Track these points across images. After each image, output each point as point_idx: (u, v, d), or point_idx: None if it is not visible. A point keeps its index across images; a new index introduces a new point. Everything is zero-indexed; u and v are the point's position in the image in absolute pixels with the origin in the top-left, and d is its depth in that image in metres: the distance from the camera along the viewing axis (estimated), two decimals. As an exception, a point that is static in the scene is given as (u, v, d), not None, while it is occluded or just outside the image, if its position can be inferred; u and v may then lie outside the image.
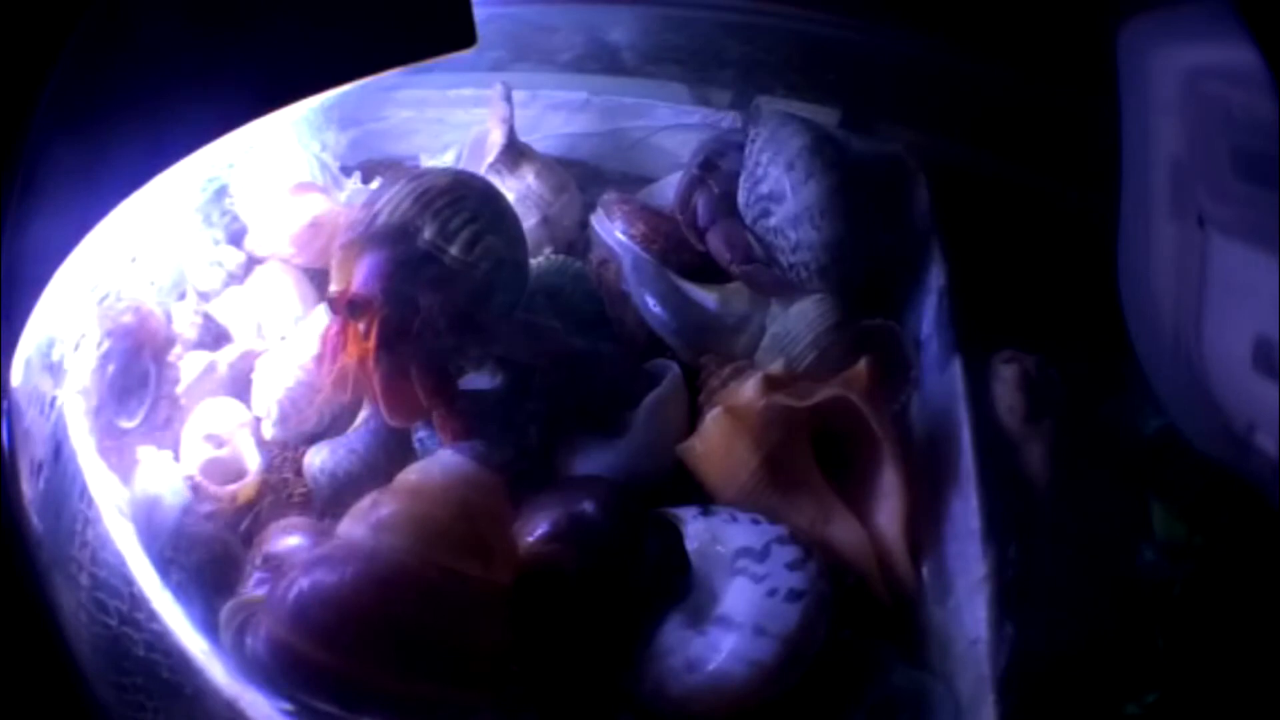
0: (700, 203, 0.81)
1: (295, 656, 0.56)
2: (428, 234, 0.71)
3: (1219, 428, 0.59)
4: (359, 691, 0.56)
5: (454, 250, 0.71)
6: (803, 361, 0.75)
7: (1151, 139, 0.64)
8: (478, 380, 0.75)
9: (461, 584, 0.58)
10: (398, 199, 0.72)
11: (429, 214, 0.71)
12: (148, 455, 0.71)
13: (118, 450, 0.71)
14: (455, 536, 0.59)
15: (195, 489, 0.71)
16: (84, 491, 0.67)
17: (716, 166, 0.81)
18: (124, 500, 0.68)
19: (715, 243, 0.80)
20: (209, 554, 0.69)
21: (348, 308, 0.69)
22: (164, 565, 0.66)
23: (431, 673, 0.57)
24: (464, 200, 0.73)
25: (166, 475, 0.71)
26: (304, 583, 0.57)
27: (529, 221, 0.84)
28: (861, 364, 0.71)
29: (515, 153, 0.85)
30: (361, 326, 0.69)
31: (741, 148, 0.80)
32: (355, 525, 0.59)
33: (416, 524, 0.59)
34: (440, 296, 0.69)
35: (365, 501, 0.61)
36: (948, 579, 0.67)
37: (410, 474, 0.62)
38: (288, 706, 0.59)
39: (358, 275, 0.70)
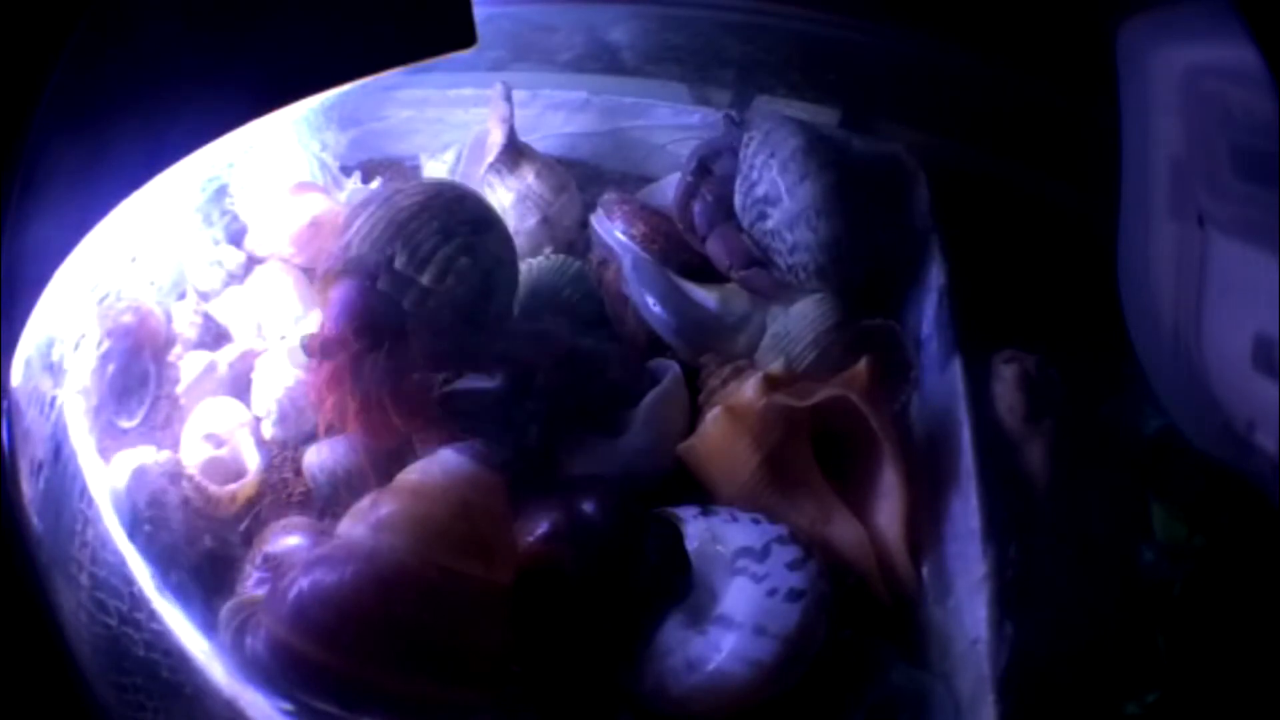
0: (697, 210, 0.81)
1: (295, 656, 0.56)
2: (399, 262, 0.70)
3: (1219, 426, 0.59)
4: (359, 691, 0.56)
5: (426, 279, 0.70)
6: (803, 361, 0.75)
7: (1151, 138, 0.64)
8: (477, 380, 0.75)
9: (462, 584, 0.58)
10: (367, 226, 0.72)
11: (400, 239, 0.71)
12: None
13: (118, 450, 0.71)
14: (455, 536, 0.59)
15: (195, 488, 0.71)
16: (84, 491, 0.67)
17: (710, 171, 0.81)
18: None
19: (714, 250, 0.80)
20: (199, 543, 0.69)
21: (320, 350, 0.69)
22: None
23: (431, 672, 0.57)
24: (434, 221, 0.72)
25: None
26: (303, 583, 0.57)
27: (529, 221, 0.84)
28: (861, 364, 0.71)
29: (515, 152, 0.85)
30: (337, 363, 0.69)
31: (734, 149, 0.80)
32: (355, 525, 0.59)
33: (417, 524, 0.59)
34: (415, 328, 0.70)
35: (365, 501, 0.61)
36: (948, 579, 0.67)
37: (411, 473, 0.62)
38: (288, 706, 0.59)
39: (329, 312, 0.71)
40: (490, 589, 0.59)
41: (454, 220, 0.73)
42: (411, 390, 0.70)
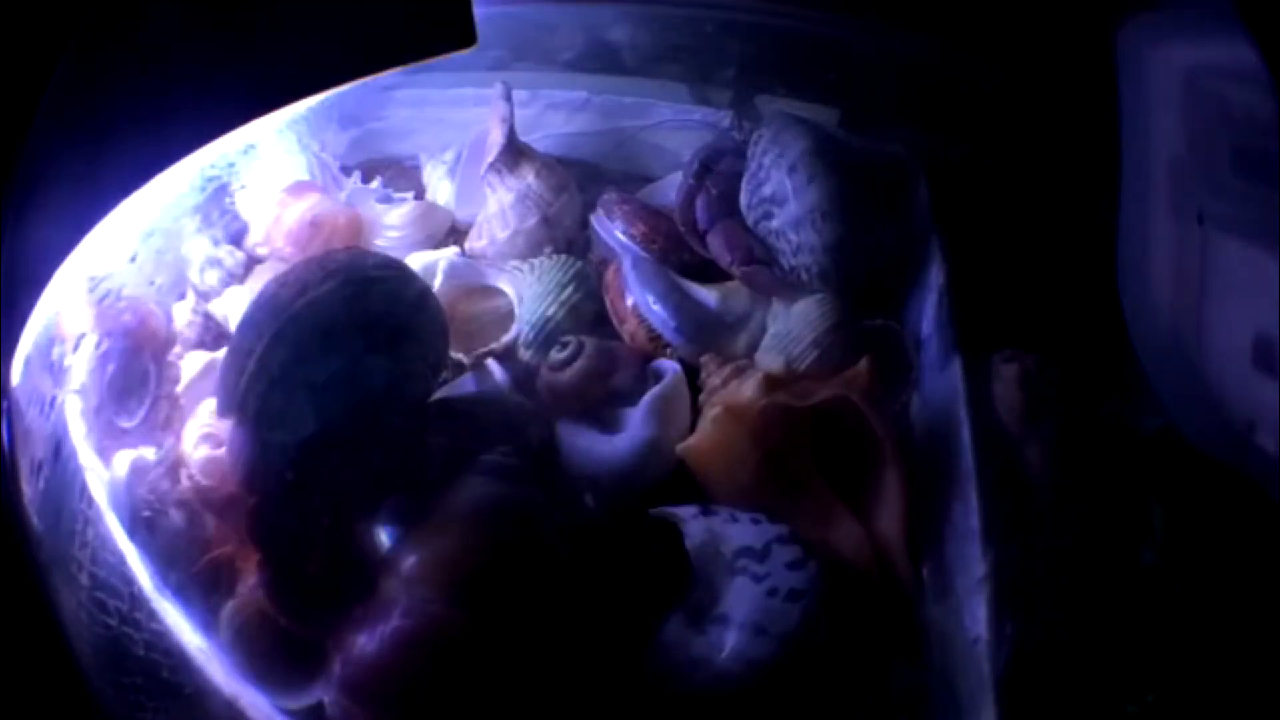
0: (699, 207, 0.81)
1: None
2: (309, 427, 0.63)
3: (1219, 426, 0.59)
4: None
5: (340, 452, 0.63)
6: (803, 361, 0.75)
7: (1151, 137, 0.64)
8: (475, 382, 0.75)
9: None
10: (264, 376, 0.63)
11: (299, 396, 0.63)
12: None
13: (117, 450, 0.71)
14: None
15: (195, 488, 0.71)
16: (84, 491, 0.67)
17: (711, 170, 0.81)
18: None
19: (715, 245, 0.80)
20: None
21: (218, 505, 0.66)
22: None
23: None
24: (342, 353, 0.64)
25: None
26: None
27: (529, 221, 0.84)
28: (862, 364, 0.71)
29: (515, 152, 0.85)
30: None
31: (736, 150, 0.80)
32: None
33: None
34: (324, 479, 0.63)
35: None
36: (948, 579, 0.67)
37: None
38: (288, 706, 0.59)
39: (229, 462, 0.65)
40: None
41: (359, 342, 0.65)
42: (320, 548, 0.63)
